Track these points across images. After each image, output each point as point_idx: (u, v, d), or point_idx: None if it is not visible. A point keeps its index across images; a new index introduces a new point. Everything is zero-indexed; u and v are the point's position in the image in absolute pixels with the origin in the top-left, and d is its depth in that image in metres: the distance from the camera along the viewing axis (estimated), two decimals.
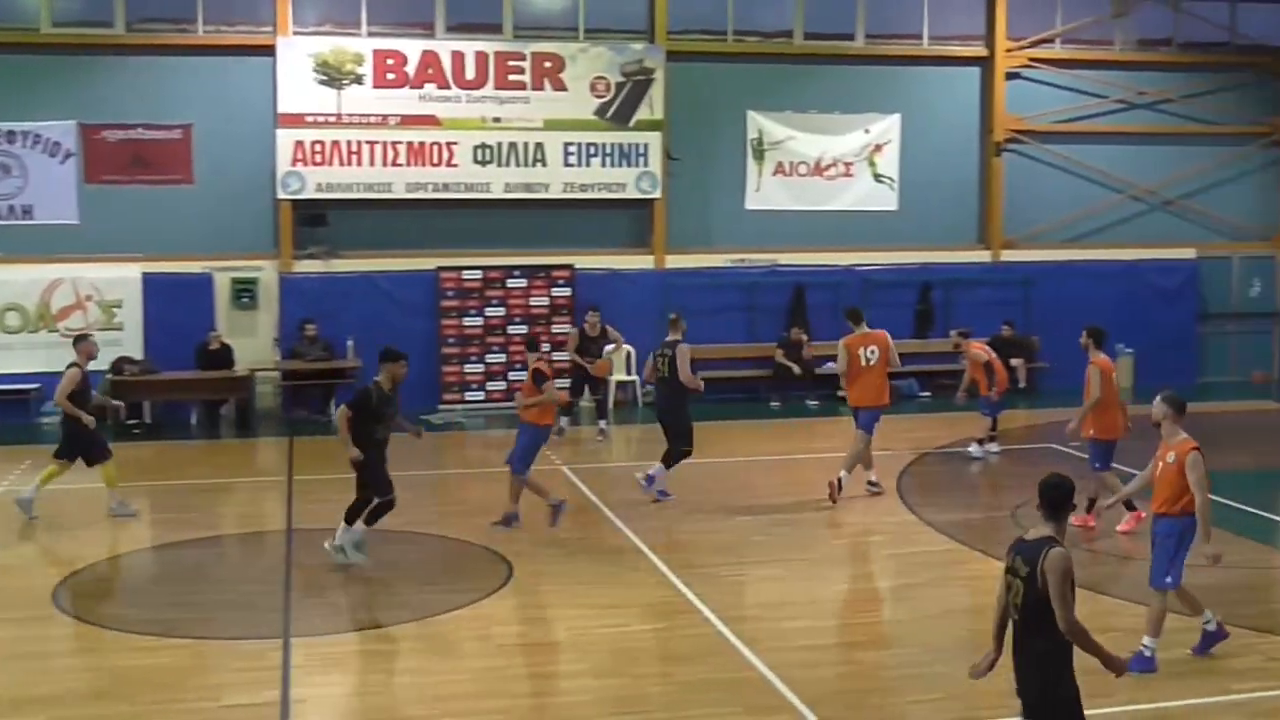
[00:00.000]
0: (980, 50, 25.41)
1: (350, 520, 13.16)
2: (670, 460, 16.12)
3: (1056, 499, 7.05)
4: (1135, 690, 9.87)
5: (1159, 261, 26.18)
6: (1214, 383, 25.68)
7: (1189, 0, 26.26)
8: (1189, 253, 26.48)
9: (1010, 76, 25.49)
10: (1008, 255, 25.69)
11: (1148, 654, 10.23)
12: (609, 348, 20.58)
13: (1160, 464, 10.35)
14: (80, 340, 15.80)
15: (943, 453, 19.31)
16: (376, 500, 13.19)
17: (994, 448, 19.11)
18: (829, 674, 10.35)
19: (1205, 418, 17.99)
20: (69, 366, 15.32)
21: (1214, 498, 10.39)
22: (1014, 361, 24.06)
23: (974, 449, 18.96)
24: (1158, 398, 10.47)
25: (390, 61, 22.80)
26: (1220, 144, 26.69)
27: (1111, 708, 9.58)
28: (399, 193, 22.97)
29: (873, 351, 16.18)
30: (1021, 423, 21.89)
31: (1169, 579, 10.28)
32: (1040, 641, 6.94)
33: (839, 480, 15.83)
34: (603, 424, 21.02)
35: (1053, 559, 6.85)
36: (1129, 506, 13.81)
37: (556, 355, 21.88)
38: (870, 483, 16.40)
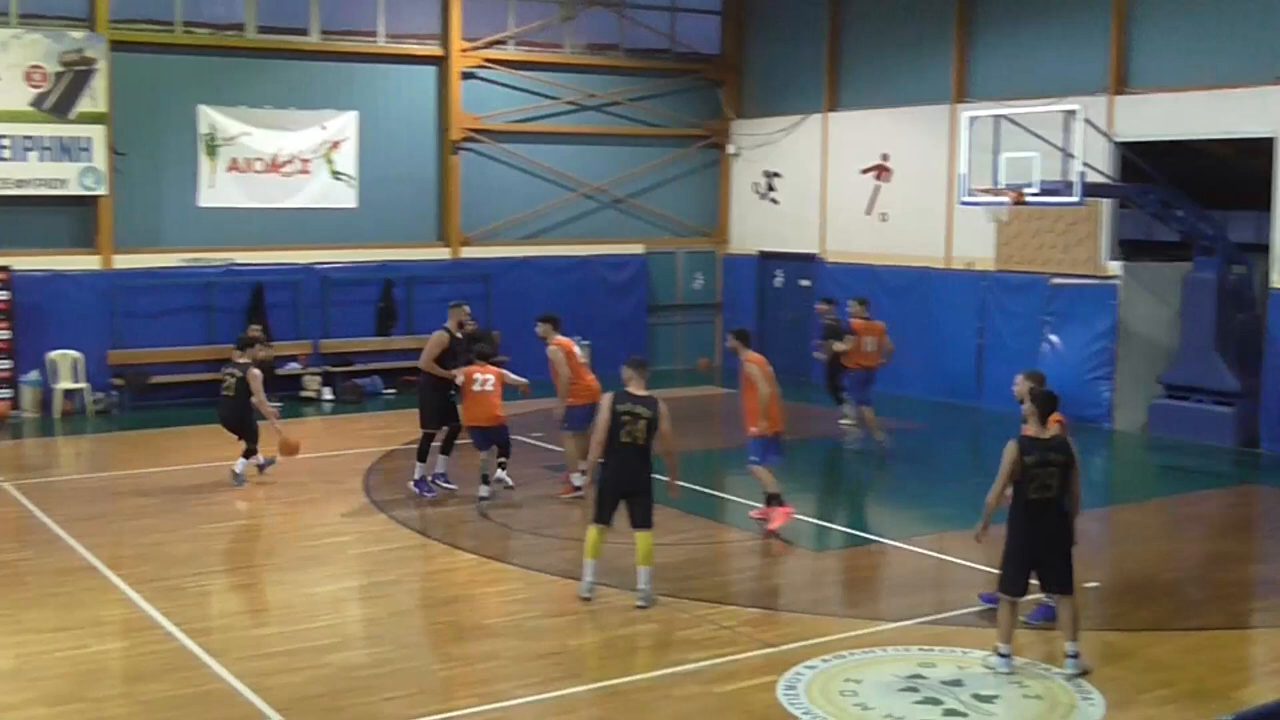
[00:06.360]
0: (436, 49, 25.63)
1: None
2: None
3: None
4: (603, 667, 10.24)
5: (610, 257, 27.36)
6: (663, 370, 26.97)
7: (633, 9, 27.52)
8: (638, 248, 27.80)
9: (466, 76, 25.85)
10: (467, 252, 26.07)
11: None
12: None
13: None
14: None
15: (409, 449, 19.20)
16: None
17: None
18: (300, 679, 10.14)
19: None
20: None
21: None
22: None
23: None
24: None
25: None
26: (664, 145, 28.11)
27: (582, 685, 9.89)
28: None
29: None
30: None
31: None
32: None
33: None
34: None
35: None
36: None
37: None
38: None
